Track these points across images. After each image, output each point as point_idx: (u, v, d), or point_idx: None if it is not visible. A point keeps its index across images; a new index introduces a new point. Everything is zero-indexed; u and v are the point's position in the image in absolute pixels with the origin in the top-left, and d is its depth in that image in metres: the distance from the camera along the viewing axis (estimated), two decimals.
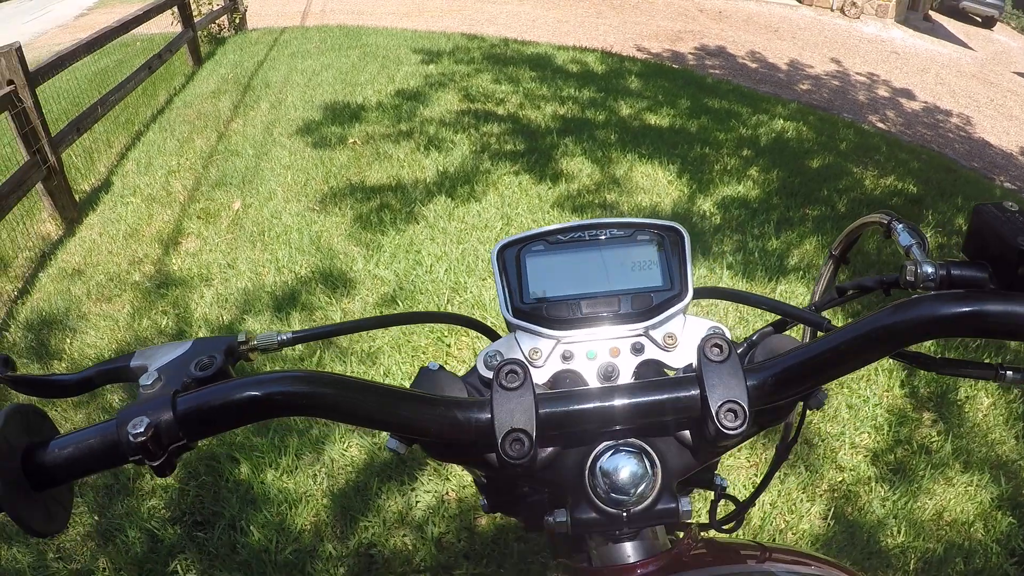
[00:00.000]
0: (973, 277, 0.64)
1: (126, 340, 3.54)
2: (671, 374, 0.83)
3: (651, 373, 0.83)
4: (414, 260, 4.05)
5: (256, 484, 2.65)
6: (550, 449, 0.70)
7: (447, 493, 2.58)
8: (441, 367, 0.84)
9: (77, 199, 5.12)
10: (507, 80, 7.39)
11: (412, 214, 4.59)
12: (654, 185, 5.04)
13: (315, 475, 2.68)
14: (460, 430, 0.65)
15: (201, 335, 3.50)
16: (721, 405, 0.62)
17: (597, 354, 0.84)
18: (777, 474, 2.65)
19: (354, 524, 2.50)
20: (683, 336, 0.84)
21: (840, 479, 2.64)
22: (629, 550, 0.72)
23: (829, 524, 2.48)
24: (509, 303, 0.85)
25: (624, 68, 8.10)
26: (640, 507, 0.67)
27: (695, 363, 0.67)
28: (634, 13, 12.11)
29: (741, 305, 3.57)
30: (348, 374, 0.72)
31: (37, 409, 0.61)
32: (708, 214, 4.63)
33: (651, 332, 0.84)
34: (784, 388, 0.64)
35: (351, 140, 5.82)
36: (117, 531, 2.51)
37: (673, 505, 0.68)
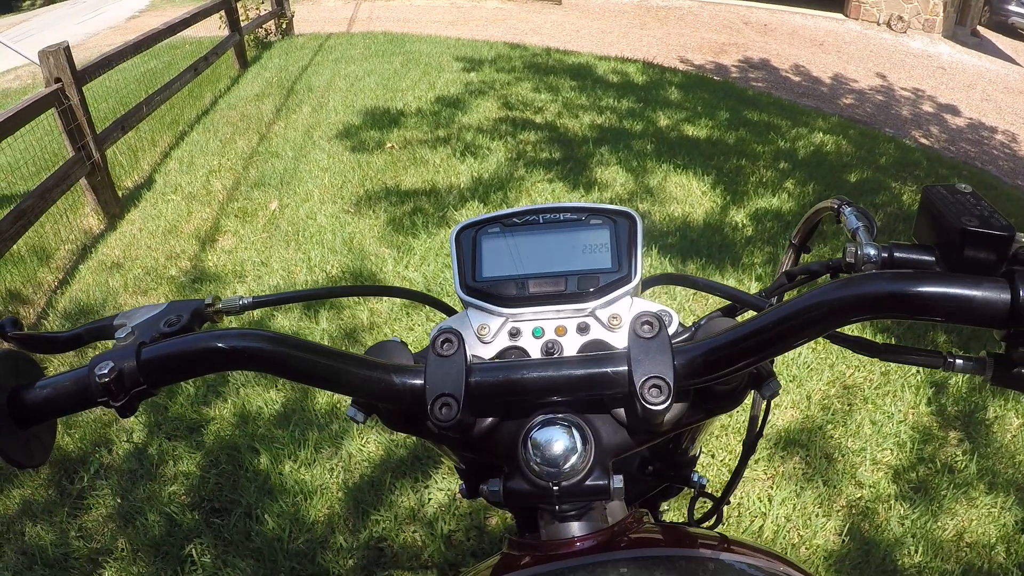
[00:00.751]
0: (917, 260, 0.63)
1: None
2: None
3: (594, 351, 0.83)
4: (443, 264, 4.08)
5: (274, 475, 2.69)
6: (489, 420, 0.71)
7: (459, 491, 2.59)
8: (402, 342, 0.87)
9: (120, 195, 5.24)
10: (547, 89, 7.41)
11: (444, 218, 4.62)
12: (687, 195, 5.02)
13: (332, 468, 2.71)
14: (396, 393, 0.66)
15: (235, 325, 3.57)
16: (645, 380, 0.62)
17: (543, 332, 0.86)
18: (793, 487, 2.63)
19: (366, 518, 2.52)
20: (628, 317, 0.85)
21: (859, 495, 2.60)
22: (575, 528, 0.73)
23: (844, 540, 2.44)
24: (462, 281, 0.88)
25: (665, 79, 8.08)
26: (571, 481, 0.67)
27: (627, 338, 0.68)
28: (678, 25, 12.08)
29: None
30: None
31: (25, 355, 0.68)
32: (740, 225, 4.60)
33: (596, 312, 0.85)
34: (714, 366, 0.64)
35: (389, 145, 5.88)
36: (137, 513, 2.57)
37: (604, 482, 0.68)
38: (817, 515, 2.51)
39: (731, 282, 3.90)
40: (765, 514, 2.50)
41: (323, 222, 4.66)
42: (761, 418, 1.10)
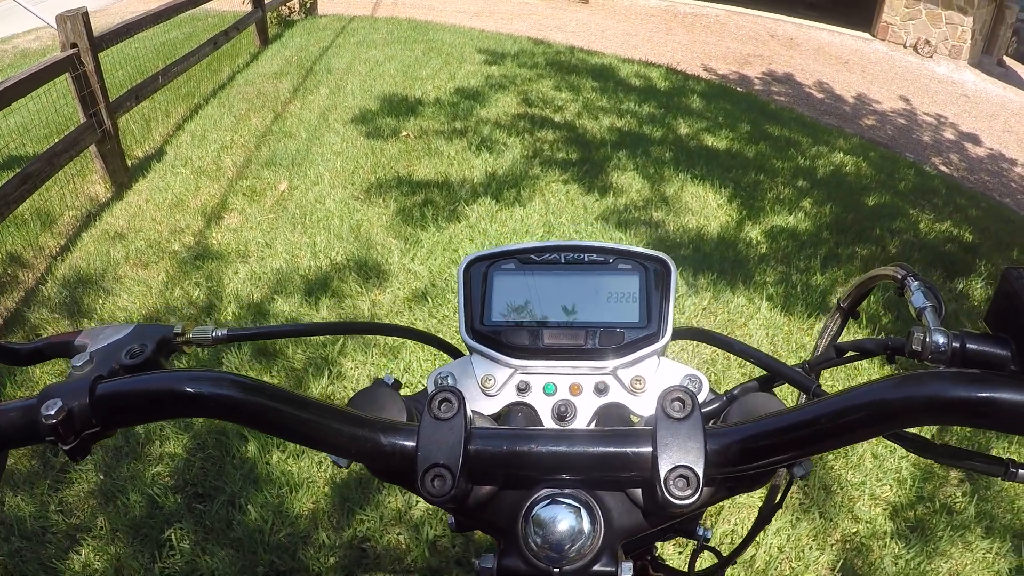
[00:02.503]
0: (992, 354, 0.55)
1: (156, 307, 3.57)
2: (635, 421, 0.77)
3: (612, 418, 0.76)
4: (450, 259, 4.02)
5: (261, 464, 2.64)
6: (487, 488, 0.64)
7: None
8: (396, 381, 0.79)
9: (129, 164, 5.19)
10: (568, 88, 7.35)
11: (455, 212, 4.56)
12: (703, 207, 4.95)
13: (320, 462, 2.66)
14: (383, 456, 0.60)
15: (228, 311, 3.52)
16: (672, 470, 0.55)
17: (556, 389, 0.78)
18: (788, 518, 2.57)
19: (351, 516, 2.47)
20: (654, 381, 0.77)
21: (854, 530, 2.54)
22: None
23: None
24: (469, 324, 0.80)
25: (687, 86, 8.00)
26: (575, 566, 0.60)
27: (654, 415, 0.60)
28: (704, 33, 11.99)
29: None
30: (300, 390, 0.68)
31: None
32: (755, 242, 4.53)
33: (619, 372, 0.77)
34: (750, 458, 0.56)
35: (404, 133, 5.83)
36: (119, 492, 2.53)
37: (612, 569, 0.61)
38: (811, 548, 2.45)
39: (741, 301, 3.84)
40: (758, 542, 2.44)
41: (331, 207, 4.61)
42: (783, 490, 1.01)
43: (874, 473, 2.77)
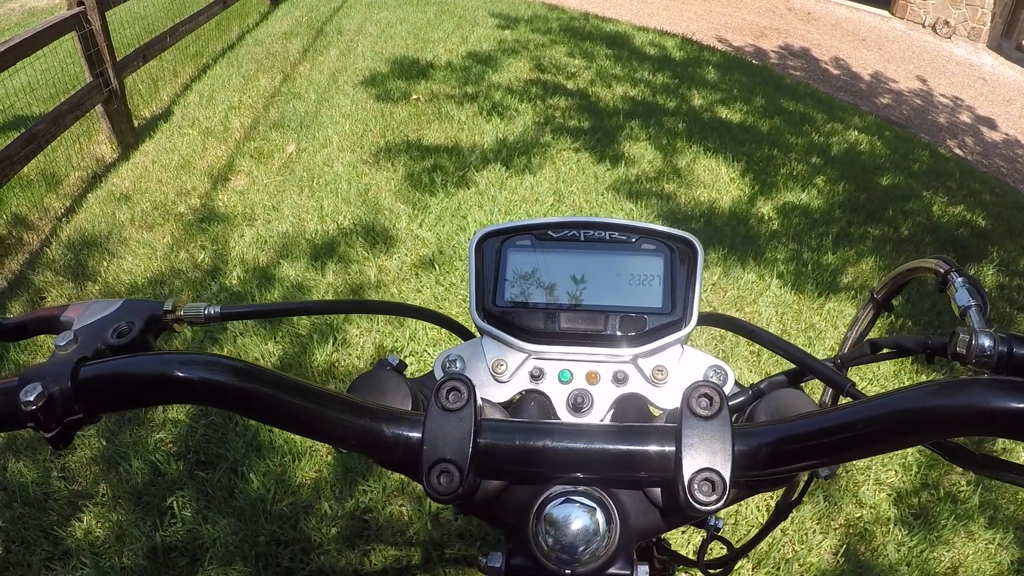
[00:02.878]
0: None
1: (160, 270, 3.55)
2: (656, 414, 0.73)
3: (631, 410, 0.72)
4: (458, 225, 3.98)
5: (263, 432, 2.62)
6: (496, 483, 0.60)
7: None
8: (401, 362, 0.75)
9: (135, 125, 5.14)
10: (581, 55, 7.24)
11: (464, 178, 4.52)
12: (715, 180, 4.89)
13: None
14: (386, 448, 0.56)
15: (232, 275, 3.49)
16: (697, 473, 0.51)
17: (572, 377, 0.73)
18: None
19: (354, 487, 2.47)
20: (676, 371, 0.73)
21: (858, 515, 2.52)
22: None
23: (839, 561, 2.37)
24: (480, 303, 0.75)
25: (702, 57, 7.88)
26: (588, 568, 0.57)
27: (678, 411, 0.56)
28: (720, 3, 11.77)
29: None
30: (297, 375, 0.63)
31: None
32: (766, 218, 4.48)
33: (639, 361, 0.73)
34: (780, 461, 0.53)
35: (414, 96, 5.75)
36: (122, 459, 2.52)
37: (628, 572, 0.58)
38: (814, 531, 2.44)
39: (751, 278, 3.79)
40: (761, 523, 2.43)
41: (339, 170, 4.56)
42: (802, 486, 0.97)
43: (880, 458, 2.74)
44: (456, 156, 4.82)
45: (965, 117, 8.28)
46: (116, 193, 4.29)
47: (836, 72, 8.89)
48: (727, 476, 0.51)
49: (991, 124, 8.23)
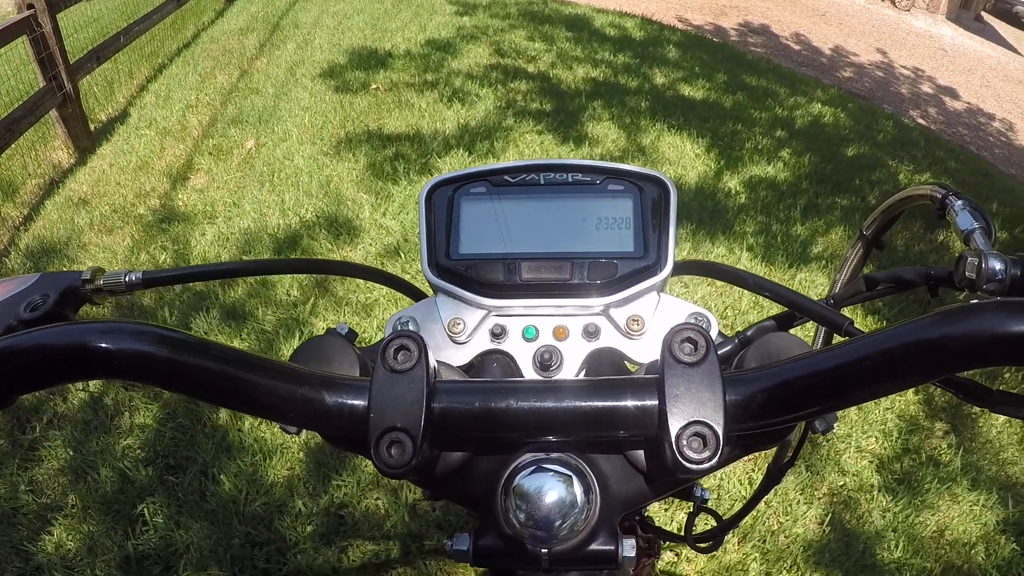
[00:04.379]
0: None
1: None
2: (632, 369, 0.66)
3: (605, 367, 0.65)
4: None
5: (232, 431, 2.56)
6: (457, 455, 0.54)
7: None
8: (351, 331, 0.68)
9: (92, 128, 5.01)
10: (541, 38, 7.18)
11: (427, 165, 4.44)
12: (680, 157, 4.87)
13: None
14: (328, 419, 0.49)
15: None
16: (685, 427, 0.45)
17: (537, 334, 0.66)
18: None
19: (327, 482, 2.41)
20: (653, 321, 0.66)
21: (842, 483, 2.51)
22: None
23: (825, 531, 2.35)
24: (432, 258, 0.67)
25: (663, 37, 7.85)
26: (567, 545, 0.51)
27: (658, 360, 0.49)
28: None
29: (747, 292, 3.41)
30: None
31: None
32: (734, 192, 4.46)
33: (612, 311, 0.66)
34: (778, 410, 0.46)
35: (374, 86, 5.67)
36: (90, 468, 2.44)
37: (612, 547, 0.52)
38: (798, 502, 2.42)
39: (720, 252, 3.77)
40: (746, 497, 2.40)
41: (300, 163, 4.47)
42: (796, 444, 0.89)
43: (859, 425, 2.73)
44: (418, 143, 4.75)
45: (927, 88, 8.34)
46: (74, 198, 4.17)
47: (797, 47, 8.91)
48: (720, 429, 0.45)
49: (953, 94, 8.29)
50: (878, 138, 5.83)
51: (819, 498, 2.45)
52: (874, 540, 2.34)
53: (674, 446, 0.45)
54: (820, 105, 6.30)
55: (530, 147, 4.79)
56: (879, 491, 2.49)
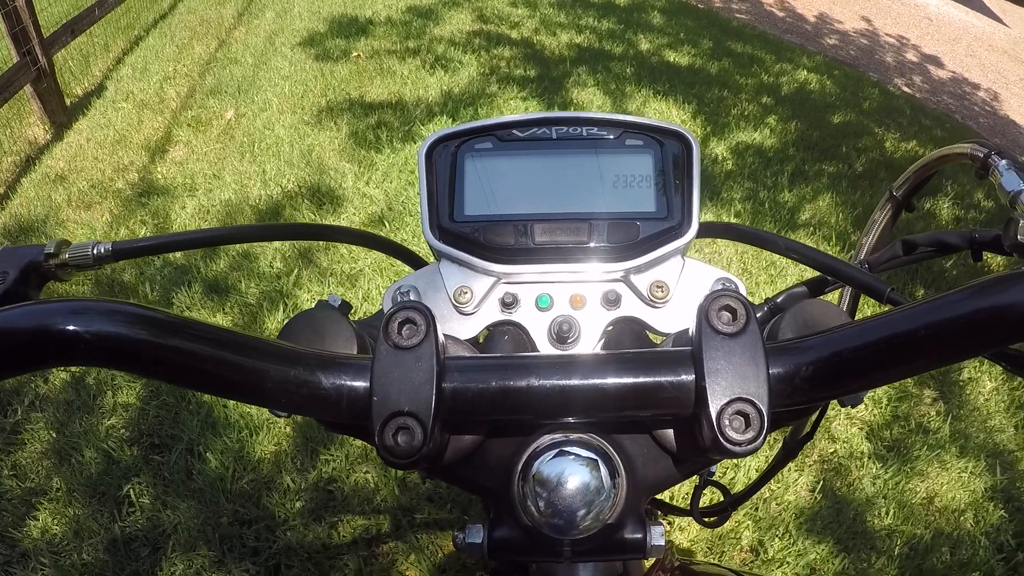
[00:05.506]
0: None
1: None
2: (657, 341, 0.61)
3: (627, 338, 0.60)
4: (407, 181, 3.87)
5: (218, 408, 2.52)
6: (469, 438, 0.49)
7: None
8: (345, 303, 0.62)
9: (68, 103, 4.87)
10: (524, 4, 7.06)
11: (410, 133, 4.38)
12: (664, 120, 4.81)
13: None
14: (326, 403, 0.44)
15: (169, 253, 3.35)
16: (727, 405, 0.41)
17: (553, 302, 0.61)
18: (767, 438, 2.51)
19: (315, 457, 2.38)
20: (679, 288, 0.61)
21: (832, 450, 2.51)
22: None
23: (816, 498, 2.35)
24: (434, 221, 0.61)
25: (647, 3, 7.74)
26: (591, 534, 0.47)
27: (692, 330, 0.45)
28: None
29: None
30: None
31: None
32: (720, 158, 4.43)
33: (633, 277, 0.61)
34: (825, 384, 0.42)
35: (355, 54, 5.57)
36: (73, 450, 2.40)
37: (640, 535, 0.48)
38: (789, 469, 2.42)
39: (708, 218, 3.72)
40: (737, 466, 2.39)
41: (281, 133, 4.40)
42: (814, 418, 0.84)
43: None
44: (401, 111, 4.67)
45: (912, 56, 8.28)
46: (51, 175, 4.07)
47: (781, 14, 8.81)
48: (765, 407, 0.41)
49: (938, 63, 8.24)
50: (864, 106, 5.79)
51: (810, 465, 2.45)
52: (865, 507, 2.34)
53: (715, 426, 0.41)
54: (806, 72, 6.25)
55: (514, 113, 4.72)
56: (869, 458, 2.49)
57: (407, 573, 2.11)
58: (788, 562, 2.17)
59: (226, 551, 2.14)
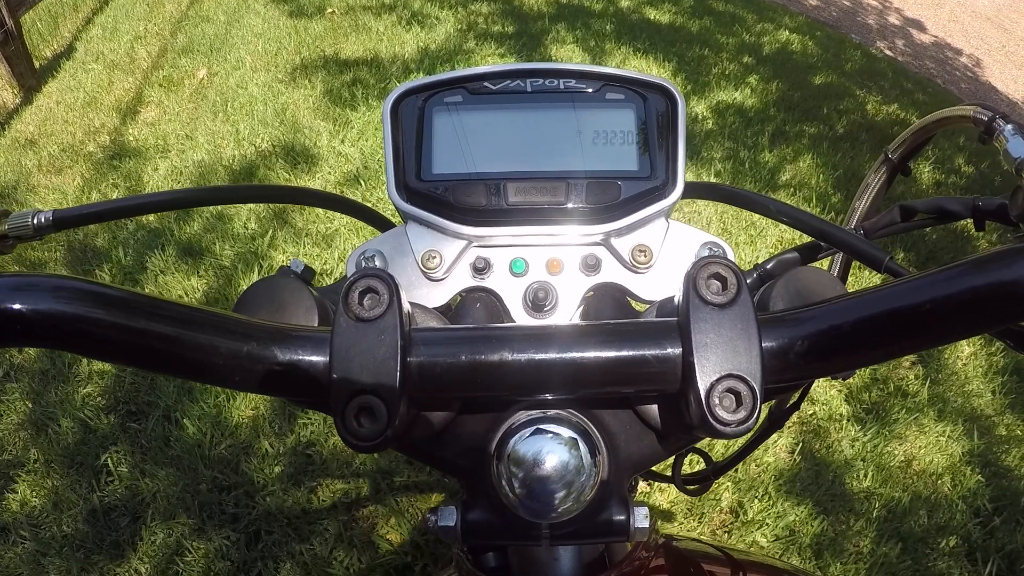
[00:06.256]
0: None
1: None
2: (639, 309, 0.57)
3: (607, 305, 0.57)
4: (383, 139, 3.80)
5: None
6: (440, 414, 0.46)
7: None
8: (308, 268, 0.58)
9: (37, 65, 4.73)
10: None
11: (386, 91, 4.28)
12: None
13: None
14: (282, 381, 0.40)
15: (142, 217, 3.29)
16: (717, 382, 0.38)
17: (528, 267, 0.57)
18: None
19: (293, 421, 2.37)
20: (663, 252, 0.57)
21: (811, 412, 2.52)
22: (563, 563, 0.49)
23: (795, 460, 2.37)
24: (400, 180, 0.57)
25: None
26: (570, 516, 0.44)
27: (678, 299, 0.42)
28: None
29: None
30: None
31: None
32: (701, 117, 4.39)
33: (613, 241, 0.57)
34: (821, 360, 0.40)
35: (329, 10, 5.45)
36: (50, 420, 2.37)
37: (623, 517, 0.46)
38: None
39: (688, 178, 3.70)
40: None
41: (254, 92, 4.30)
42: (802, 389, 0.81)
43: None
44: (376, 68, 4.58)
45: (894, 19, 8.22)
46: (21, 140, 3.96)
47: None
48: (758, 385, 0.38)
49: (920, 27, 8.18)
50: (846, 67, 5.75)
51: (789, 427, 2.46)
52: (843, 469, 2.36)
53: (704, 405, 0.38)
54: (788, 32, 6.19)
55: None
56: (848, 421, 2.51)
57: (387, 536, 2.11)
58: (767, 524, 2.18)
59: (206, 518, 2.13)
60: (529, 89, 0.58)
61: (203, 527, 2.11)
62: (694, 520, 2.19)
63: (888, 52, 6.98)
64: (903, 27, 8.00)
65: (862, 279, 2.99)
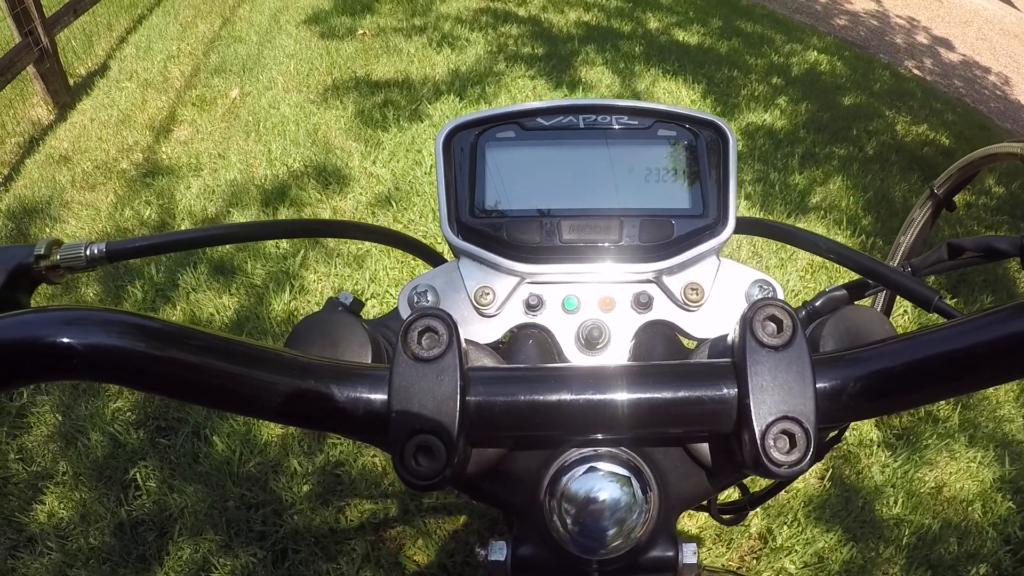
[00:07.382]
0: None
1: (105, 231, 3.37)
2: (690, 347, 0.57)
3: (658, 343, 0.57)
4: (414, 160, 3.84)
5: None
6: (493, 451, 0.47)
7: None
8: (356, 300, 0.59)
9: (71, 83, 4.82)
10: None
11: (417, 112, 4.34)
12: (676, 103, 4.75)
13: None
14: (341, 417, 0.41)
15: (182, 228, 3.33)
16: (772, 424, 0.38)
17: (580, 305, 0.57)
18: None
19: (323, 440, 2.37)
20: (714, 290, 0.57)
21: (842, 438, 2.49)
22: None
23: (825, 486, 2.34)
24: (452, 215, 0.57)
25: None
26: (621, 553, 0.45)
27: (733, 339, 0.42)
28: None
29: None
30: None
31: None
32: None
33: (665, 279, 0.57)
34: (875, 401, 0.40)
35: (361, 31, 5.52)
36: (79, 433, 2.39)
37: (672, 553, 0.46)
38: None
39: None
40: None
41: (286, 112, 4.36)
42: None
43: None
44: (407, 90, 4.63)
45: (922, 38, 8.19)
46: (55, 156, 4.04)
47: None
48: (812, 427, 0.38)
49: (948, 45, 8.15)
50: (875, 88, 5.73)
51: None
52: (873, 496, 2.33)
53: (759, 446, 0.38)
54: (816, 53, 6.19)
55: (522, 92, 4.69)
56: (878, 447, 2.48)
57: (415, 558, 2.11)
58: (796, 550, 2.16)
59: (233, 535, 2.14)
60: (582, 125, 0.58)
61: (230, 544, 2.12)
62: (723, 546, 2.17)
63: (916, 72, 6.94)
64: (931, 46, 7.97)
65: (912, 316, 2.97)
